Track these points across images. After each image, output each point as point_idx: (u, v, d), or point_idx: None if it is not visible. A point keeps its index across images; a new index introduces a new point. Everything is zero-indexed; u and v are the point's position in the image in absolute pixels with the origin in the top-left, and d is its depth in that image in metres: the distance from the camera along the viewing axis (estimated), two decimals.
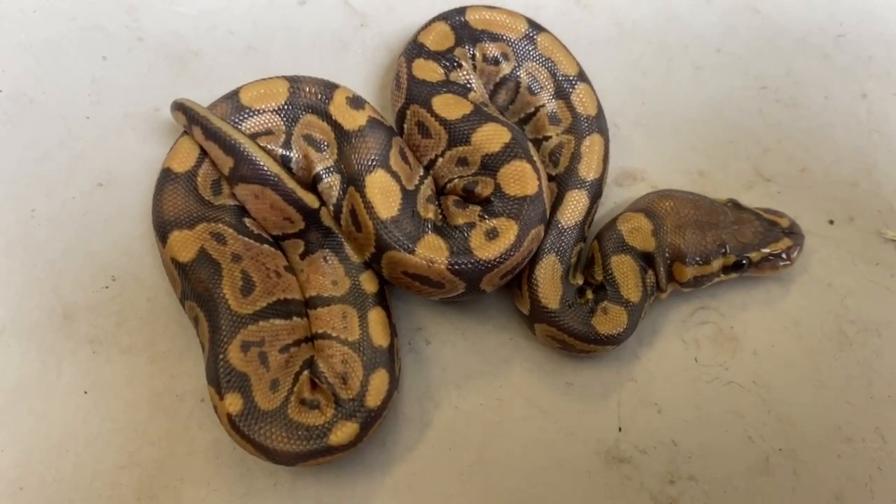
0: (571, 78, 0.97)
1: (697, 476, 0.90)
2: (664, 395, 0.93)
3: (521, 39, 0.97)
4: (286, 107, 0.90)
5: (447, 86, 0.93)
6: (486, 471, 0.90)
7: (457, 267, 0.83)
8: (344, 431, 0.80)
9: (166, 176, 0.88)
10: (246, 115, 0.90)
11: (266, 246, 0.88)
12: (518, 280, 0.91)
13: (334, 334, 0.85)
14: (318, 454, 0.80)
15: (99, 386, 0.91)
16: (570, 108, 0.96)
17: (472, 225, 0.85)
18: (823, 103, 1.07)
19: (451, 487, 0.89)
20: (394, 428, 0.91)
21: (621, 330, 0.88)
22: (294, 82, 0.91)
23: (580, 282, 0.92)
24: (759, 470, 0.91)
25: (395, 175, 0.87)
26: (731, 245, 0.91)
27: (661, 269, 0.90)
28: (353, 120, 0.88)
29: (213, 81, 1.02)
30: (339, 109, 0.89)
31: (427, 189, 0.89)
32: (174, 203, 0.86)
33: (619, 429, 0.92)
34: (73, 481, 0.88)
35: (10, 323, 0.92)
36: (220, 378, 0.80)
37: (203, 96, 0.94)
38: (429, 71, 0.93)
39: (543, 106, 0.97)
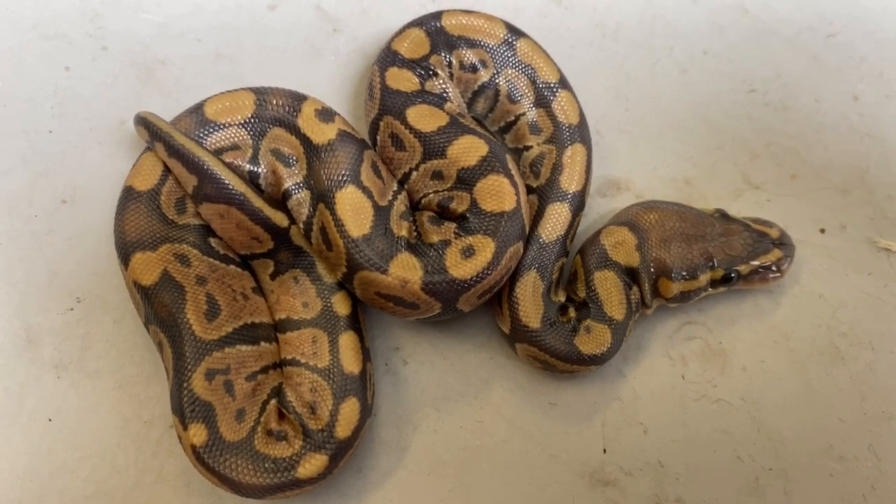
0: (552, 85, 0.93)
1: (685, 498, 0.87)
2: (650, 415, 0.90)
3: (499, 45, 0.94)
4: (253, 120, 0.86)
5: (422, 96, 0.89)
6: (466, 496, 0.86)
7: (431, 287, 0.79)
8: (312, 464, 0.77)
9: (128, 195, 0.84)
10: (211, 130, 0.86)
11: (233, 267, 0.84)
12: (498, 298, 0.87)
13: (303, 360, 0.81)
14: (286, 487, 0.77)
15: (64, 413, 0.87)
16: (552, 116, 0.92)
17: (447, 242, 0.82)
18: (814, 106, 1.04)
19: None
20: (370, 453, 0.87)
21: (605, 349, 0.84)
22: (260, 94, 0.87)
23: (562, 299, 0.89)
24: (749, 491, 0.88)
25: (366, 191, 0.83)
26: (718, 258, 0.88)
27: (646, 285, 0.87)
28: (322, 133, 0.85)
29: (181, 91, 0.99)
30: (307, 122, 0.85)
31: (401, 205, 0.86)
32: (136, 223, 0.83)
33: (604, 450, 0.89)
34: None
35: None
36: (184, 408, 0.77)
37: (171, 106, 0.90)
38: (403, 80, 0.90)
39: (524, 114, 0.93)
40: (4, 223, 0.93)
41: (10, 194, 0.94)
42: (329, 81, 1.02)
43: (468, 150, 0.85)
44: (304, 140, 0.85)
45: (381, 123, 0.89)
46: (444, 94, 0.91)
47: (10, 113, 0.97)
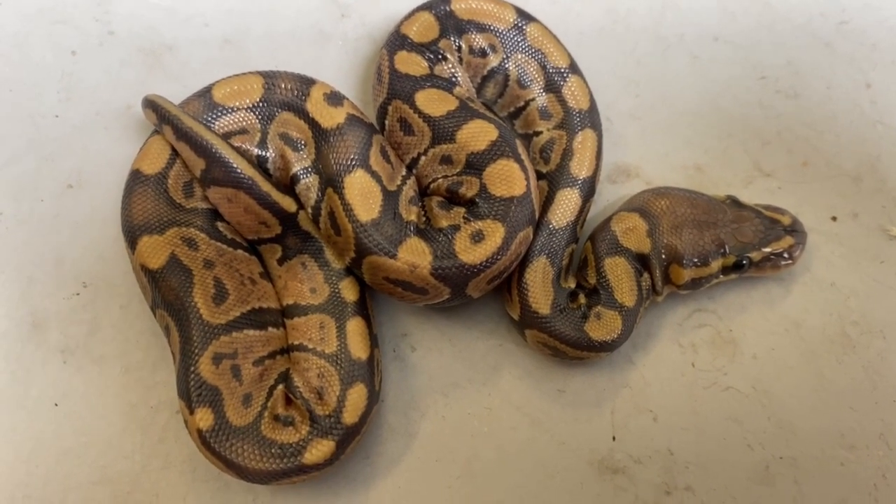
0: (562, 70, 0.92)
1: (695, 486, 0.86)
2: (660, 402, 0.89)
3: (509, 30, 0.93)
4: (261, 104, 0.86)
5: (431, 80, 0.88)
6: (474, 483, 0.86)
7: (440, 272, 0.79)
8: (319, 450, 0.76)
9: (135, 178, 0.84)
10: (219, 114, 0.85)
11: (240, 251, 0.84)
12: (508, 284, 0.87)
13: (311, 346, 0.81)
14: (292, 473, 0.76)
15: (70, 398, 0.87)
16: (562, 101, 0.91)
17: (456, 227, 0.81)
18: (825, 94, 1.03)
19: (439, 501, 0.85)
20: (378, 439, 0.87)
21: (615, 336, 0.84)
22: (269, 78, 0.86)
23: (572, 285, 0.88)
24: (759, 479, 0.87)
25: (375, 175, 0.82)
26: (730, 245, 0.87)
27: (657, 271, 0.86)
28: (330, 117, 0.84)
29: (188, 76, 0.98)
30: (316, 106, 0.85)
31: (409, 190, 0.85)
32: (144, 207, 0.82)
33: (613, 437, 0.88)
34: (44, 498, 0.84)
35: None
36: (190, 392, 0.76)
37: (178, 92, 0.90)
38: (412, 64, 0.89)
39: (533, 100, 0.92)
40: (10, 208, 0.93)
41: (16, 179, 0.94)
42: (337, 67, 1.01)
43: (478, 134, 0.84)
44: (313, 124, 0.84)
45: (390, 108, 0.88)
46: (454, 79, 0.91)
47: (16, 97, 0.97)
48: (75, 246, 0.92)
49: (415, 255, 0.79)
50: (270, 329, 0.82)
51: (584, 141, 0.89)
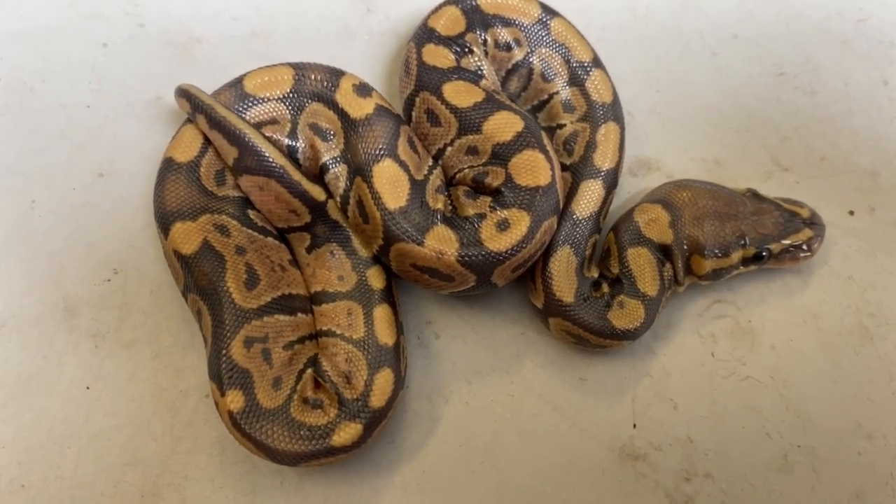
0: (586, 64, 0.94)
1: (714, 473, 0.88)
2: (680, 391, 0.91)
3: (534, 24, 0.95)
4: (291, 95, 0.87)
5: (458, 72, 0.90)
6: (497, 468, 0.87)
7: (467, 259, 0.80)
8: (347, 432, 0.78)
9: (168, 166, 0.86)
10: (250, 104, 0.87)
11: (270, 239, 0.86)
12: (532, 273, 0.88)
13: (339, 332, 0.82)
14: (321, 455, 0.78)
15: (101, 381, 0.89)
16: (585, 95, 0.93)
17: (482, 216, 0.83)
18: (843, 90, 1.04)
19: (462, 485, 0.87)
20: (402, 424, 0.88)
21: (638, 324, 0.85)
22: (299, 69, 0.88)
23: (595, 275, 0.89)
24: (778, 467, 0.88)
25: (403, 165, 0.84)
26: (750, 236, 0.89)
27: (679, 262, 0.88)
28: (359, 108, 0.86)
29: (216, 69, 1.00)
30: (345, 97, 0.86)
31: (436, 179, 0.87)
32: (176, 194, 0.84)
33: (634, 425, 0.89)
34: (76, 479, 0.86)
35: (11, 317, 0.90)
36: (222, 374, 0.78)
37: (206, 84, 0.91)
38: (439, 57, 0.91)
39: (557, 93, 0.94)
40: (43, 196, 0.95)
41: (48, 168, 0.96)
42: (362, 61, 1.03)
43: (504, 125, 0.85)
44: (342, 114, 0.86)
45: (417, 99, 0.90)
46: (480, 71, 0.92)
47: (48, 88, 0.99)
48: (106, 233, 0.94)
49: (442, 243, 0.81)
50: (300, 315, 0.83)
51: (607, 133, 0.91)
